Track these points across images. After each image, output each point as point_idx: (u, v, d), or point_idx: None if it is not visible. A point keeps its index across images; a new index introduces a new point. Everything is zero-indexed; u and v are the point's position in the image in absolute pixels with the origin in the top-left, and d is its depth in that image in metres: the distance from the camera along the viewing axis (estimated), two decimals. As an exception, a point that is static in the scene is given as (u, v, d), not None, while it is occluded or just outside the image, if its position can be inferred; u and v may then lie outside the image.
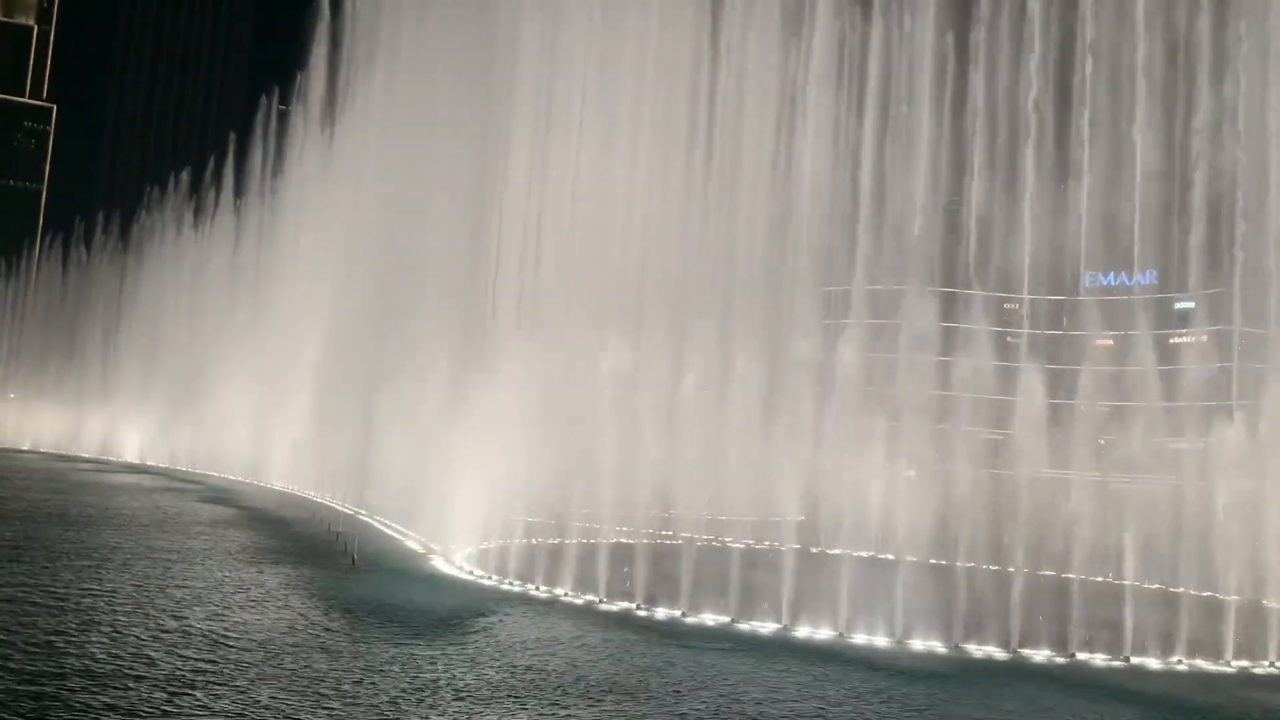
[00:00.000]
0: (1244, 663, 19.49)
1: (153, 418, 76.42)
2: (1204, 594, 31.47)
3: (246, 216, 67.43)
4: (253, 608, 17.32)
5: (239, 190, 69.59)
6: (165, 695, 11.37)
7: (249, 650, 14.02)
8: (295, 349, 53.54)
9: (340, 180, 52.63)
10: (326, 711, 11.32)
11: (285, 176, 60.60)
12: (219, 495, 44.20)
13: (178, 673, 12.42)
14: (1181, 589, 32.62)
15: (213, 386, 64.80)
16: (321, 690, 12.20)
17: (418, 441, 36.41)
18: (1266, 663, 19.71)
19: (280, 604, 17.90)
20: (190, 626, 15.25)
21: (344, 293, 48.52)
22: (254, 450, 57.84)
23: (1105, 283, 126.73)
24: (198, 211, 75.79)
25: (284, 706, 11.34)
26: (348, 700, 11.86)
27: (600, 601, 21.29)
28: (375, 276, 46.41)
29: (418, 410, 37.84)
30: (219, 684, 12.05)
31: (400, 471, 37.95)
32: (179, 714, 10.74)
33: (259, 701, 11.45)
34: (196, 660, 13.15)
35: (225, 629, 15.31)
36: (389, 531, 33.28)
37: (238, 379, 61.78)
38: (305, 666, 13.36)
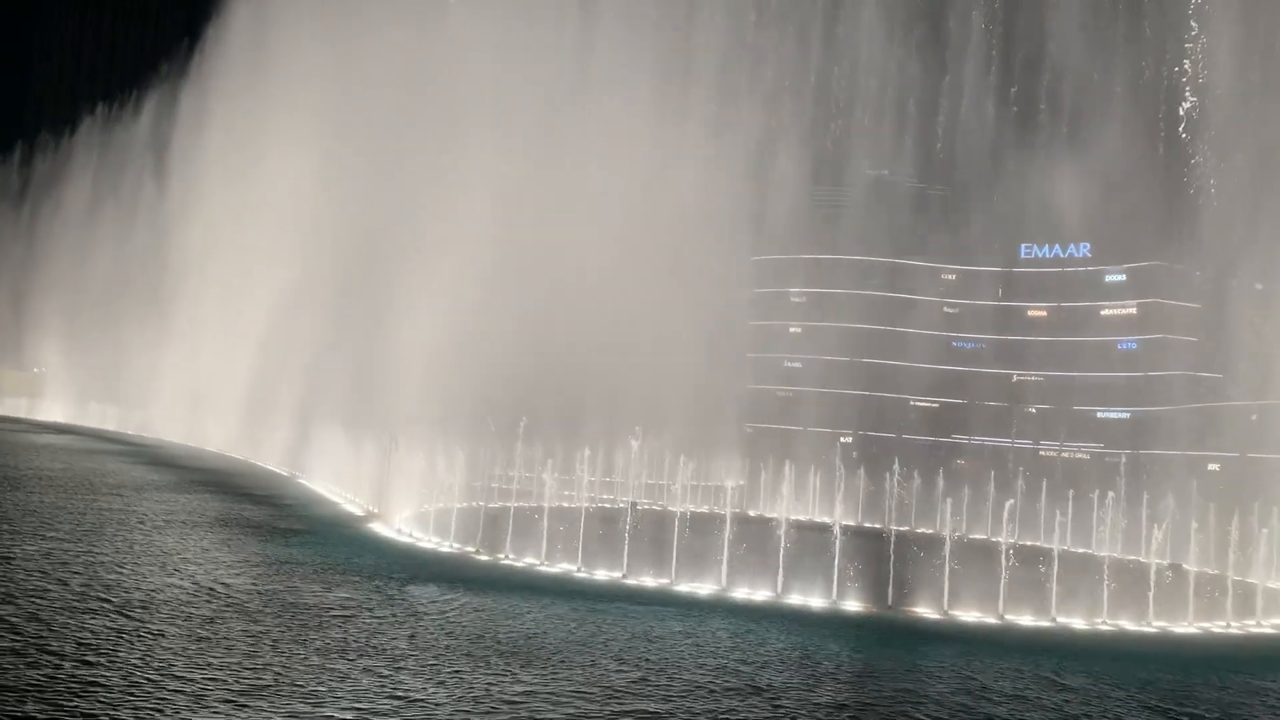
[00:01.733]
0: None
1: (81, 376, 74.46)
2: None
3: (175, 169, 65.32)
4: (183, 572, 17.04)
5: (164, 141, 67.21)
6: (77, 661, 11.16)
7: (179, 615, 13.81)
8: (232, 307, 52.51)
9: (276, 126, 51.33)
10: (252, 675, 11.21)
11: (215, 126, 58.77)
12: (151, 457, 43.33)
13: (111, 632, 12.19)
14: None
15: (145, 344, 63.18)
16: (250, 652, 12.07)
17: (359, 406, 36.08)
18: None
19: (209, 568, 17.64)
20: (133, 586, 14.96)
21: (283, 248, 47.61)
22: (190, 412, 56.73)
23: (1041, 254, 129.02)
24: (124, 163, 73.37)
25: (208, 670, 11.20)
26: (275, 669, 11.75)
27: (540, 564, 21.35)
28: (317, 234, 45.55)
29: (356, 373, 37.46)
30: (158, 641, 11.86)
31: (341, 435, 37.58)
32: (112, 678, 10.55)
33: (177, 663, 11.30)
34: (134, 618, 12.92)
35: (154, 593, 15.06)
36: (328, 495, 32.93)
37: (170, 337, 60.36)
38: (235, 629, 13.19)
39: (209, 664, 11.41)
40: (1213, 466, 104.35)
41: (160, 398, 61.81)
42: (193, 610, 14.09)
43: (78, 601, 13.93)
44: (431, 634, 13.97)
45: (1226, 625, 20.66)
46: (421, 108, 41.38)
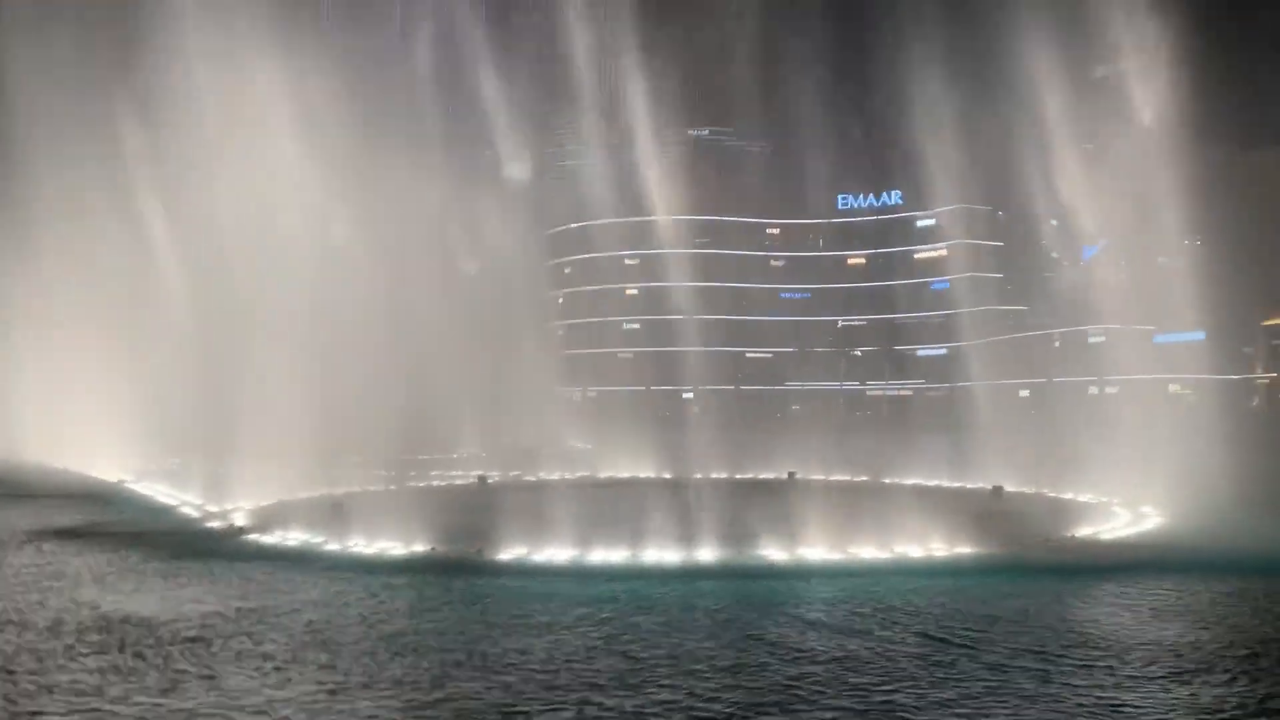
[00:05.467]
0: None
1: None
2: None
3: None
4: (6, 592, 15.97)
5: None
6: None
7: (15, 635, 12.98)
8: (35, 309, 49.18)
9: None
10: (96, 691, 10.70)
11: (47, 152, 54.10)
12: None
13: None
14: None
15: None
16: (93, 662, 11.48)
17: (189, 402, 34.48)
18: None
19: (37, 581, 16.59)
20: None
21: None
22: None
23: (856, 204, 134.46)
24: None
25: (47, 679, 10.62)
26: (128, 673, 11.24)
27: (390, 549, 21.01)
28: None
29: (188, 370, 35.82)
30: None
31: (169, 435, 35.83)
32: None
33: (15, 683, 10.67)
34: (-53, 656, 12.02)
35: (-22, 619, 14.07)
36: (160, 499, 31.35)
37: None
38: (77, 639, 12.51)
39: (50, 668, 10.77)
40: (1023, 393, 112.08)
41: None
42: (24, 626, 13.22)
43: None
44: (281, 630, 13.59)
45: (1045, 540, 22.33)
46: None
